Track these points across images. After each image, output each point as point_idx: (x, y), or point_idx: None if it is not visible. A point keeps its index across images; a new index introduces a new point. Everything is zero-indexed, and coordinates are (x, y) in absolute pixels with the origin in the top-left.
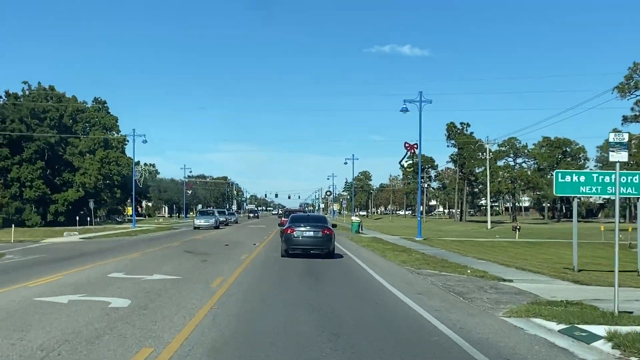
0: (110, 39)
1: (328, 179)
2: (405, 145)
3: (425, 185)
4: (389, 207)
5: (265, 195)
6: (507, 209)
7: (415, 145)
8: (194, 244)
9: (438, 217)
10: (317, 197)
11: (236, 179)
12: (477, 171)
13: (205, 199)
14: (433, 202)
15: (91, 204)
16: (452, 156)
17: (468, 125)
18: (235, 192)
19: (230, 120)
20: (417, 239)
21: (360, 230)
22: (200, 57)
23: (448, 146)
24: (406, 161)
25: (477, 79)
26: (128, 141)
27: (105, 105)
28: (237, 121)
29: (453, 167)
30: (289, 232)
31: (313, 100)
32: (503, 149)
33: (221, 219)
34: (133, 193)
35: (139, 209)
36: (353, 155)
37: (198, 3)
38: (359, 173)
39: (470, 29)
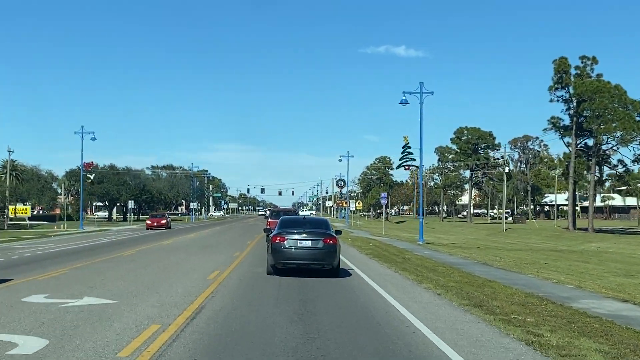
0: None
1: (340, 160)
2: None
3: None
4: (407, 206)
5: (248, 190)
6: (583, 209)
7: None
8: None
9: (491, 222)
10: (314, 193)
11: (227, 178)
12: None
13: (161, 194)
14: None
15: None
16: (554, 119)
17: (595, 60)
18: (211, 188)
19: (225, 120)
20: None
21: None
22: (202, 56)
23: (551, 100)
24: None
25: None
26: None
27: None
28: (233, 121)
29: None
30: (277, 240)
31: (308, 100)
32: None
33: None
34: None
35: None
36: (423, 86)
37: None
38: (376, 159)
39: None
